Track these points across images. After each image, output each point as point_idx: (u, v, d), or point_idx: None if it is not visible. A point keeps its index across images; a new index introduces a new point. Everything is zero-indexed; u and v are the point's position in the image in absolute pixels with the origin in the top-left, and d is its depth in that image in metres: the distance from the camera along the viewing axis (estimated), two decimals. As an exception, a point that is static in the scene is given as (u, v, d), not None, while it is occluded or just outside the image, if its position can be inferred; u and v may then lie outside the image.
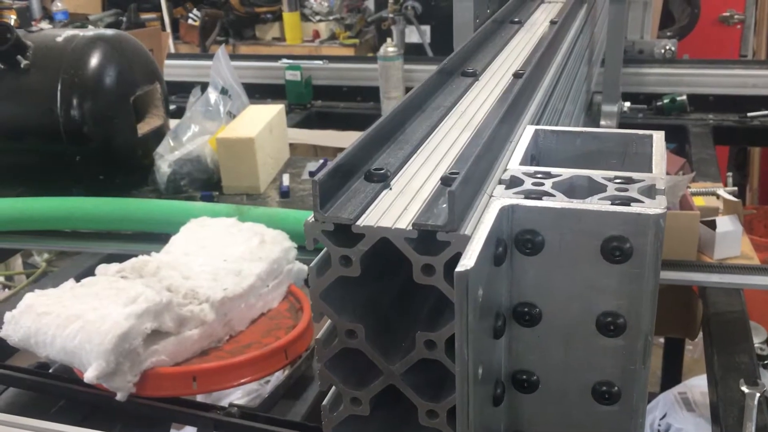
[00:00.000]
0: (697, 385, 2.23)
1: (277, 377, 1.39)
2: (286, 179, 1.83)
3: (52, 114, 1.67)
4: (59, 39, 1.76)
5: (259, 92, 2.73)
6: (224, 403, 1.36)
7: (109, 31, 1.88)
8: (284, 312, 1.29)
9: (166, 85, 1.96)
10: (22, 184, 1.78)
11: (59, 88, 1.67)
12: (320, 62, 2.83)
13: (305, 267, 1.34)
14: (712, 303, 1.50)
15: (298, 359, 1.23)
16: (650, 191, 0.54)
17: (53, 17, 4.34)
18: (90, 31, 1.83)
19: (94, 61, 1.71)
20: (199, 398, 1.35)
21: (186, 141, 1.81)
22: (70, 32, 1.79)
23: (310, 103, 2.74)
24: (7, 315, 1.17)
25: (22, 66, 1.71)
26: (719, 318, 1.45)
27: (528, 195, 0.54)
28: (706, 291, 1.54)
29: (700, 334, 1.68)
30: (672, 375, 2.50)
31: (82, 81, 1.68)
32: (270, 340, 1.19)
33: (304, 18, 4.39)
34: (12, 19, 1.88)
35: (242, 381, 1.15)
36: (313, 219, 0.53)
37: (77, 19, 4.22)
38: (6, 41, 1.69)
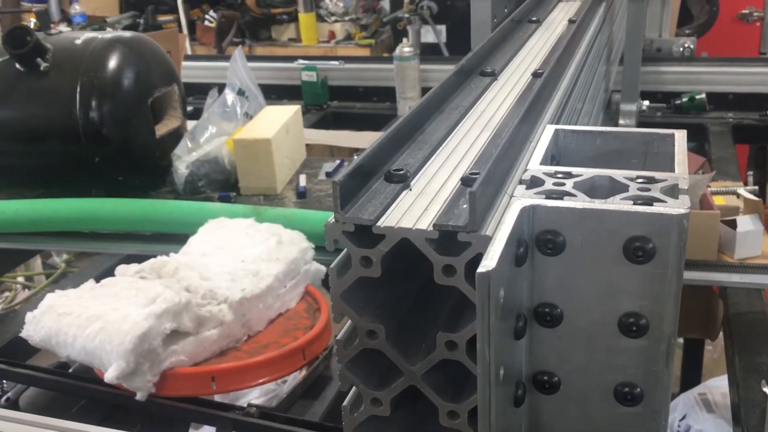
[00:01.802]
0: (717, 386, 2.21)
1: (294, 377, 1.39)
2: (302, 180, 1.83)
3: (71, 116, 1.68)
4: (78, 42, 1.77)
5: (275, 93, 2.73)
6: (241, 403, 1.37)
7: (127, 34, 1.89)
8: (302, 312, 1.29)
9: (183, 87, 1.97)
10: (42, 185, 1.80)
11: (78, 90, 1.68)
12: (336, 63, 2.83)
13: (323, 267, 1.34)
14: (733, 303, 1.48)
15: (316, 359, 1.23)
16: (673, 191, 0.54)
17: (71, 20, 4.39)
18: (108, 34, 1.85)
19: (112, 63, 1.72)
20: (217, 398, 1.36)
21: (203, 142, 1.81)
22: (88, 35, 1.81)
23: (326, 104, 2.74)
24: (29, 315, 1.18)
25: (41, 68, 1.72)
26: (740, 318, 1.44)
27: (549, 195, 0.54)
28: (727, 291, 1.53)
29: (720, 335, 1.67)
30: (692, 376, 2.48)
31: (101, 83, 1.69)
32: (288, 341, 1.20)
33: (320, 19, 4.40)
34: (32, 22, 1.90)
35: (260, 381, 1.16)
36: (333, 220, 0.53)
37: (95, 22, 4.26)
38: (26, 44, 1.70)
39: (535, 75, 0.90)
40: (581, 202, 0.52)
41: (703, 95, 2.40)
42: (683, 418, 2.16)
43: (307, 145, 2.06)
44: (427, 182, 0.61)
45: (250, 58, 2.76)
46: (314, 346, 1.20)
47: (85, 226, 1.66)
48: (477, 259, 0.48)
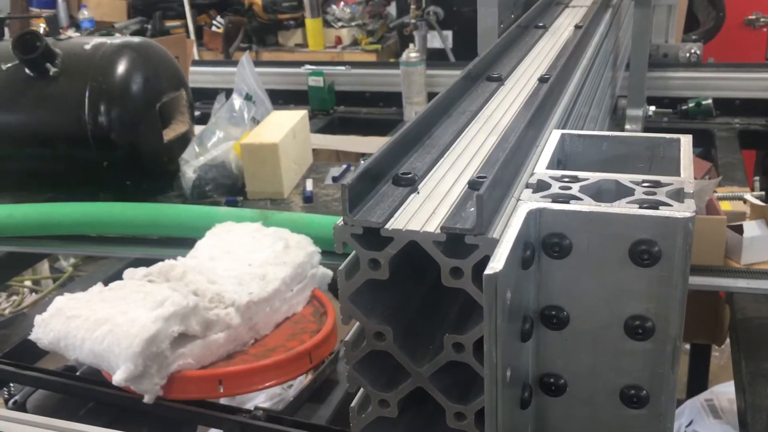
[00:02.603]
0: (723, 391, 2.20)
1: (300, 381, 1.39)
2: (309, 184, 1.84)
3: (80, 121, 1.69)
4: (87, 47, 1.78)
5: (282, 98, 2.74)
6: (248, 406, 1.37)
7: (136, 39, 1.90)
8: (308, 316, 1.30)
9: (191, 92, 1.98)
10: (51, 189, 1.81)
11: (87, 95, 1.69)
12: (343, 68, 2.84)
13: (329, 271, 1.35)
14: (740, 308, 1.48)
15: (322, 363, 1.23)
16: (678, 195, 0.54)
17: (80, 25, 4.42)
18: (117, 39, 1.86)
19: (121, 68, 1.73)
20: (223, 401, 1.36)
21: (211, 147, 1.82)
22: (97, 40, 1.82)
23: (333, 109, 2.75)
24: (38, 318, 1.18)
25: (51, 74, 1.73)
26: (747, 324, 1.43)
27: (555, 199, 0.55)
28: (734, 296, 1.52)
29: (727, 341, 1.66)
30: (698, 381, 2.47)
31: (110, 88, 1.71)
32: (295, 344, 1.20)
33: (327, 24, 4.41)
34: (41, 27, 1.91)
35: (267, 384, 1.16)
36: (342, 223, 0.53)
37: (103, 27, 4.29)
38: (36, 49, 1.72)
39: (542, 80, 0.90)
40: (587, 205, 0.53)
41: (710, 101, 2.40)
42: (690, 423, 2.16)
43: (314, 150, 2.07)
44: (435, 186, 0.61)
45: (257, 63, 2.77)
46: (321, 350, 1.20)
47: (93, 230, 1.67)
48: (484, 261, 0.49)
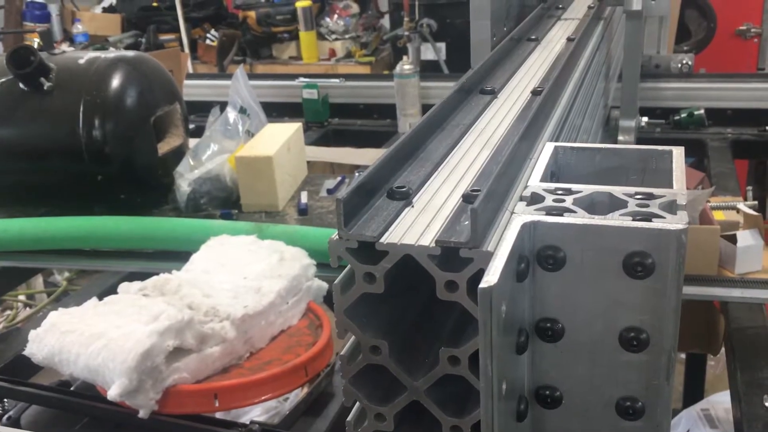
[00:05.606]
0: (719, 401, 2.20)
1: (296, 394, 1.39)
2: (304, 197, 1.84)
3: (74, 135, 1.69)
4: (81, 61, 1.79)
5: (276, 111, 2.75)
6: (243, 420, 1.37)
7: (130, 53, 1.90)
8: (304, 329, 1.29)
9: (185, 105, 1.99)
10: (45, 203, 1.81)
11: (81, 109, 1.69)
12: (337, 80, 2.85)
13: (324, 284, 1.35)
14: (734, 318, 1.49)
15: (318, 376, 1.23)
16: (671, 207, 0.55)
17: (73, 39, 4.43)
18: (111, 53, 1.86)
19: (115, 82, 1.73)
20: (219, 416, 1.36)
21: (205, 160, 1.82)
22: (92, 54, 1.82)
23: (327, 121, 2.76)
24: (32, 333, 1.18)
25: (45, 88, 1.73)
26: (741, 333, 1.44)
27: (549, 211, 0.55)
28: (728, 306, 1.53)
29: (723, 350, 1.67)
30: (694, 391, 2.47)
31: (104, 102, 1.71)
32: (290, 357, 1.20)
33: (321, 37, 4.43)
34: (35, 42, 1.92)
35: (263, 398, 1.16)
36: (337, 237, 0.53)
37: (97, 41, 4.30)
38: (30, 64, 1.72)
39: (535, 93, 0.91)
40: (581, 218, 0.53)
41: (702, 111, 2.42)
42: (686, 433, 2.15)
43: (308, 162, 2.08)
44: (429, 199, 0.61)
45: (252, 76, 2.77)
46: (316, 363, 1.20)
47: (88, 244, 1.66)
48: (479, 274, 0.49)
